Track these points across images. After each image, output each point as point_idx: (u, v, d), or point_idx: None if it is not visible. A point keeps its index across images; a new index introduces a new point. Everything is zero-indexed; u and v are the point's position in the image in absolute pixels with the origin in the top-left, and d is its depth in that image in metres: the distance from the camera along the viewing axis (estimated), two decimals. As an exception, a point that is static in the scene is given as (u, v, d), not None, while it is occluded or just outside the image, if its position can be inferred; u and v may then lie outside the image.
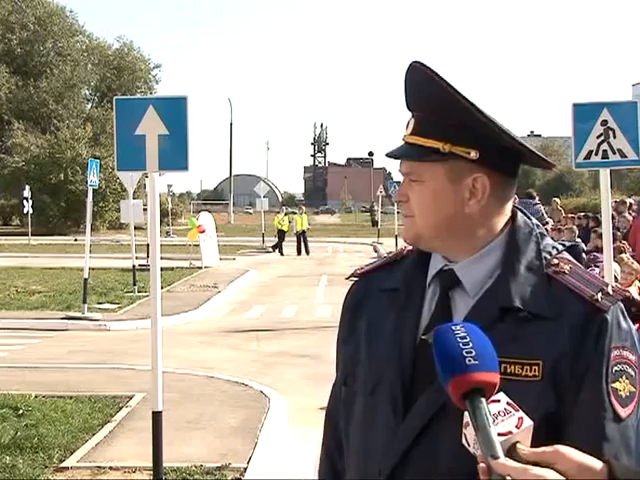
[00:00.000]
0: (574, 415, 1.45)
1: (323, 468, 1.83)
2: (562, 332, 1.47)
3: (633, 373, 1.47)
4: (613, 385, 1.45)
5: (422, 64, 1.57)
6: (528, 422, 1.26)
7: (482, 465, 1.22)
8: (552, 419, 1.45)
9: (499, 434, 1.24)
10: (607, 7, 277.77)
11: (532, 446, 1.32)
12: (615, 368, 1.46)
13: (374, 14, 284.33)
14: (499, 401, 1.28)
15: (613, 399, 1.44)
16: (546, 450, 1.25)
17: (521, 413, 1.27)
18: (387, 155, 1.66)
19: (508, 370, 1.46)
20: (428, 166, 1.56)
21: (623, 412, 1.44)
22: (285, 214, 33.16)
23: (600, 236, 12.29)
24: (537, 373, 1.46)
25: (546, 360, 1.46)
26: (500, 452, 1.21)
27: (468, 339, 1.28)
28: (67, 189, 44.28)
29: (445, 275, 1.60)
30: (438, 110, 1.56)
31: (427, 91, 1.57)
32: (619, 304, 1.51)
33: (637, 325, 1.54)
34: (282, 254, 31.04)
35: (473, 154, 1.54)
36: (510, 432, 1.25)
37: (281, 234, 31.68)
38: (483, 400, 1.25)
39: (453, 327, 1.30)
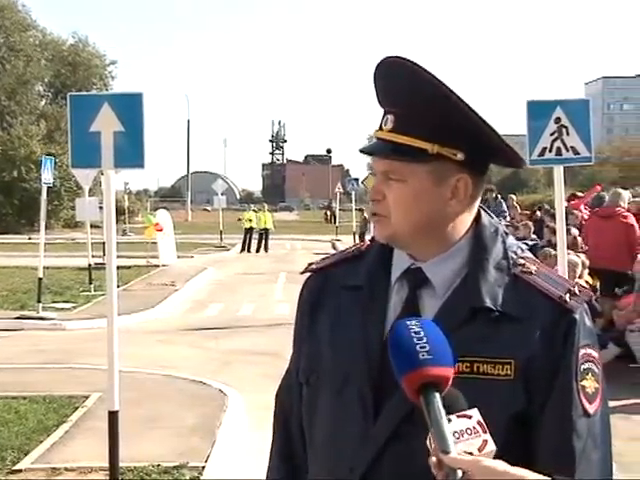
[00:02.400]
0: (545, 412, 1.48)
1: (276, 466, 1.80)
2: (532, 332, 1.49)
3: (597, 370, 1.51)
4: (581, 383, 1.48)
5: (405, 58, 1.52)
6: (491, 447, 1.26)
7: (434, 459, 1.23)
8: (522, 417, 1.47)
9: (460, 453, 1.24)
10: (560, 5, 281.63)
11: (505, 444, 1.35)
12: (583, 366, 1.49)
13: (330, 11, 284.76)
14: (470, 417, 1.27)
15: (582, 396, 1.48)
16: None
17: (487, 436, 1.26)
18: (362, 151, 1.61)
19: (480, 369, 1.48)
20: (411, 166, 1.53)
21: (591, 408, 1.48)
22: (253, 211, 33.14)
23: (553, 231, 12.50)
24: (509, 372, 1.47)
25: (518, 359, 1.48)
26: (452, 447, 1.22)
27: (422, 334, 1.29)
28: (21, 187, 43.64)
29: (413, 273, 1.60)
30: (424, 108, 1.52)
31: (414, 88, 1.51)
32: (584, 304, 1.54)
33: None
34: (249, 251, 31.11)
35: (460, 155, 1.53)
36: (471, 453, 1.25)
37: (249, 232, 31.66)
38: (437, 395, 1.26)
39: (408, 322, 1.31)
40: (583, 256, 10.22)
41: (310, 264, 1.78)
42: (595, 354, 1.53)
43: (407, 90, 1.53)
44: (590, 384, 1.49)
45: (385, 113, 1.58)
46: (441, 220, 1.57)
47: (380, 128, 1.58)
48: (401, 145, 1.53)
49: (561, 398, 1.48)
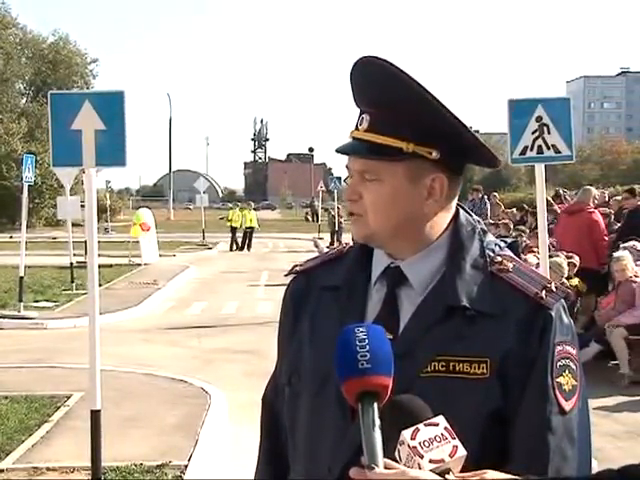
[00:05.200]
0: (521, 409, 1.47)
1: (264, 467, 1.80)
2: (508, 329, 1.49)
3: (574, 367, 1.51)
4: (557, 380, 1.48)
5: (381, 59, 1.53)
6: (462, 452, 1.26)
7: (359, 471, 1.25)
8: (499, 415, 1.47)
9: (431, 460, 1.24)
10: (541, 5, 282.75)
11: (481, 442, 1.37)
12: (559, 363, 1.49)
13: (313, 10, 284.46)
14: (437, 425, 1.28)
15: (558, 393, 1.48)
16: (473, 475, 1.28)
17: (457, 441, 1.27)
18: (338, 151, 1.61)
19: (457, 368, 1.48)
20: (387, 165, 1.53)
21: (567, 405, 1.48)
22: (240, 209, 33.15)
23: (521, 233, 12.58)
24: (485, 370, 1.47)
25: (494, 357, 1.48)
26: (380, 461, 1.23)
27: (366, 342, 1.29)
28: (2, 185, 43.20)
29: (392, 272, 1.60)
30: (400, 108, 1.52)
31: (389, 88, 1.52)
32: (561, 300, 1.54)
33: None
34: (238, 248, 31.16)
35: (434, 154, 1.53)
36: (442, 460, 1.25)
37: (234, 231, 31.72)
38: (374, 405, 1.27)
39: (356, 329, 1.32)
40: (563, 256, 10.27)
41: (294, 266, 1.78)
42: (573, 351, 1.53)
43: (382, 90, 1.54)
44: (567, 381, 1.49)
45: (361, 113, 1.59)
46: (418, 219, 1.58)
47: (356, 128, 1.59)
48: (377, 144, 1.54)
49: (536, 395, 1.48)
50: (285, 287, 1.80)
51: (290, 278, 1.78)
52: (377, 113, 1.55)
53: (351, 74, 1.58)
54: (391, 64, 1.52)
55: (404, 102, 1.52)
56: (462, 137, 1.55)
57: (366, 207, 1.56)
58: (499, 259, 1.58)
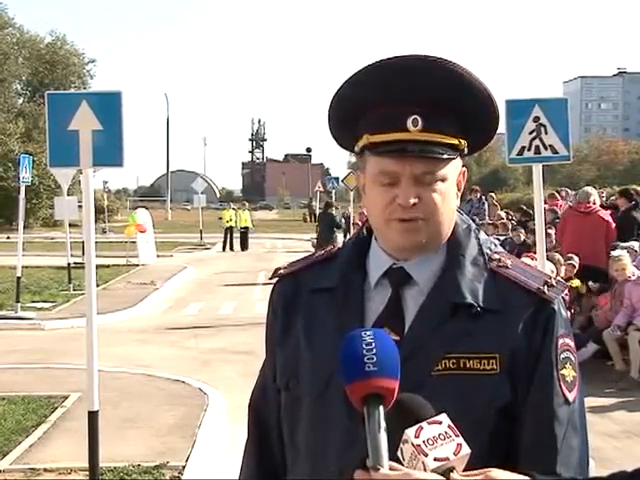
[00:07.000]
0: (528, 401, 1.49)
1: (247, 469, 1.79)
2: (513, 324, 1.51)
3: (574, 359, 1.54)
4: (561, 372, 1.51)
5: (431, 56, 1.52)
6: (466, 450, 1.26)
7: (363, 473, 1.24)
8: (508, 410, 1.49)
9: (436, 459, 1.24)
10: (539, 5, 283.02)
11: (491, 438, 1.39)
12: (562, 355, 1.52)
13: (310, 10, 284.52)
14: (441, 423, 1.27)
15: (562, 384, 1.50)
16: (478, 473, 1.28)
17: (460, 439, 1.26)
18: (401, 152, 1.50)
19: (467, 365, 1.48)
20: (447, 163, 1.53)
21: (570, 396, 1.51)
22: (232, 209, 33.22)
23: (525, 232, 12.57)
24: (495, 366, 1.49)
25: (502, 353, 1.49)
26: (385, 462, 1.22)
27: (373, 345, 1.29)
28: (-1, 186, 43.17)
29: (395, 273, 1.59)
30: (453, 105, 1.52)
31: (445, 86, 1.51)
32: (560, 295, 1.56)
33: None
34: (232, 249, 31.28)
35: (466, 148, 1.57)
36: (447, 458, 1.25)
37: (229, 231, 31.79)
38: (380, 408, 1.27)
39: (363, 333, 1.32)
40: (558, 255, 10.27)
41: (278, 269, 1.75)
42: (572, 343, 1.56)
43: (441, 87, 1.51)
44: (569, 372, 1.52)
45: (405, 113, 1.51)
46: (453, 217, 1.60)
47: (402, 129, 1.51)
48: (439, 143, 1.52)
49: (543, 387, 1.50)
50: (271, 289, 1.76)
51: (275, 281, 1.75)
52: (429, 111, 1.51)
53: (388, 74, 1.53)
54: (442, 59, 1.52)
55: (458, 99, 1.52)
56: (494, 127, 1.59)
57: (430, 209, 1.53)
58: (497, 256, 1.60)
